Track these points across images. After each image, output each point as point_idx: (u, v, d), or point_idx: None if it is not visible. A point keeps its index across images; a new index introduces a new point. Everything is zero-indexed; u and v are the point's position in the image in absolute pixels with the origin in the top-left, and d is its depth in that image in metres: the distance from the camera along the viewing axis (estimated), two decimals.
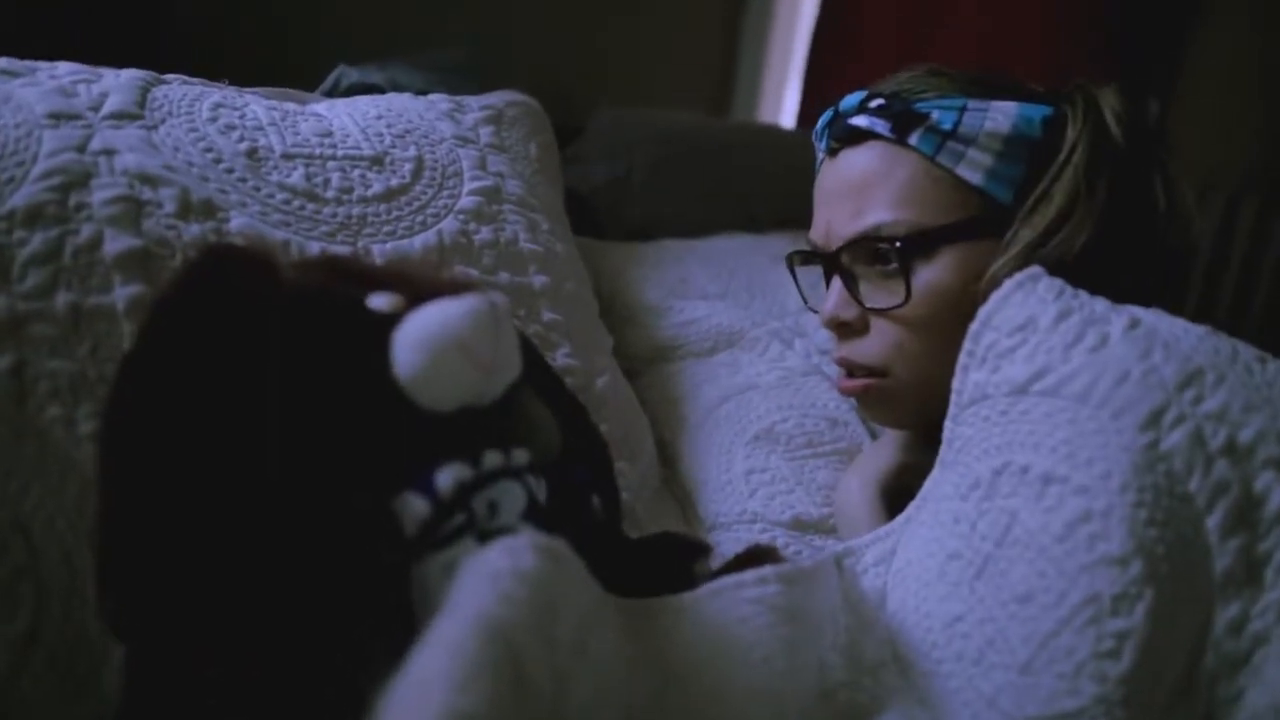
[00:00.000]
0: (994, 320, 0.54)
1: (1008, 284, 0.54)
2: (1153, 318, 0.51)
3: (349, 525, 0.39)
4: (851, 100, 0.67)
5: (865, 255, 0.65)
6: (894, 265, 0.63)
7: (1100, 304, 0.52)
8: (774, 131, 1.39)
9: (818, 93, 1.66)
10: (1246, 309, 1.66)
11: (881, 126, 0.64)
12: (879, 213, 0.64)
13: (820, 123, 0.69)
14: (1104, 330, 0.50)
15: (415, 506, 0.40)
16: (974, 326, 0.54)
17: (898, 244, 0.63)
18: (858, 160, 0.66)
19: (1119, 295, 0.53)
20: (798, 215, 1.04)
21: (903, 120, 0.63)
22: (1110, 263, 0.60)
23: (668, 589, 0.49)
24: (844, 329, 0.67)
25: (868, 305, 0.65)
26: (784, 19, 1.71)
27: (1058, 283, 0.53)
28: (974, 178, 0.63)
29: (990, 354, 0.53)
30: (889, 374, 0.66)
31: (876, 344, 0.66)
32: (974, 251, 0.63)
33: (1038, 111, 0.63)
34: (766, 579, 0.47)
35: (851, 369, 0.68)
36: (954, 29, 1.44)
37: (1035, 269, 0.54)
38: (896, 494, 0.68)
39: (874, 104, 0.65)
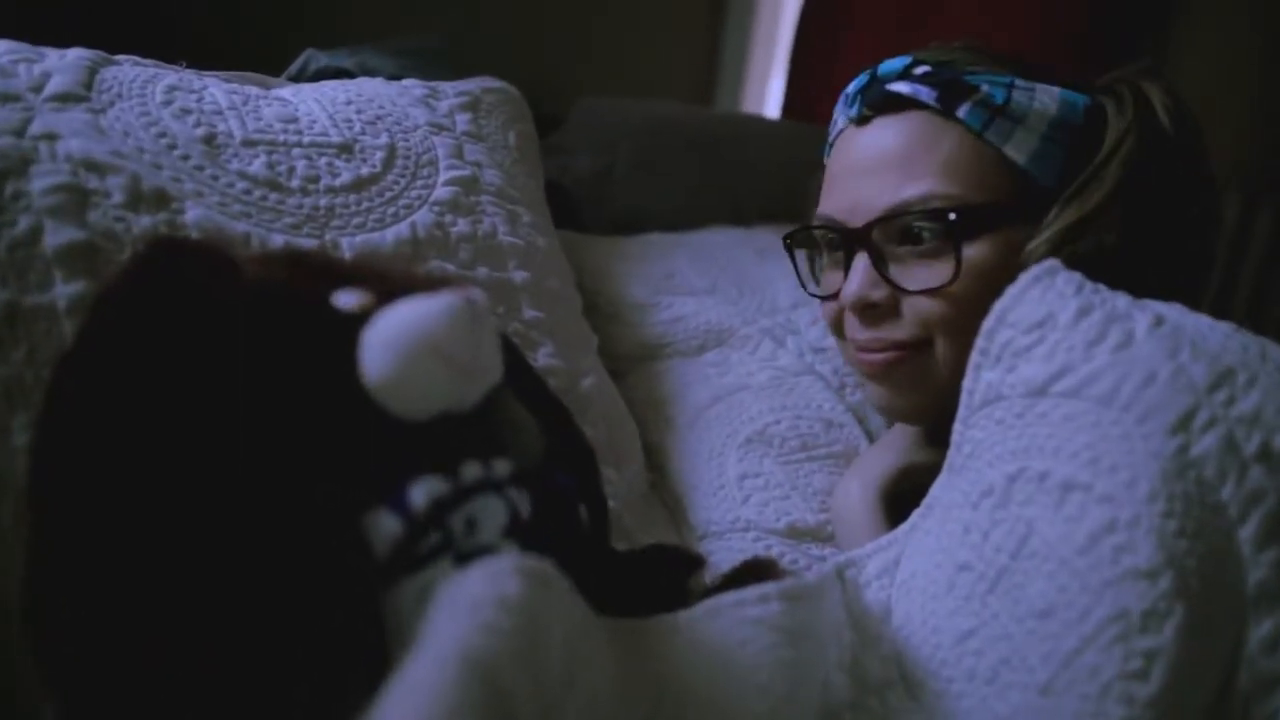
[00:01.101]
0: (1009, 316, 0.50)
1: (1023, 277, 0.51)
2: (1176, 314, 0.49)
3: (312, 547, 0.36)
4: (893, 65, 0.64)
5: (898, 231, 0.62)
6: (930, 243, 0.60)
7: (1122, 300, 0.50)
8: (761, 122, 1.37)
9: (803, 82, 1.64)
10: (1228, 304, 1.66)
11: (927, 95, 0.61)
12: (925, 184, 0.60)
13: (852, 87, 0.66)
14: (1128, 328, 0.47)
15: (386, 525, 0.36)
16: (988, 323, 0.51)
17: (951, 215, 0.59)
18: (898, 129, 0.62)
19: (1139, 293, 0.51)
20: (784, 207, 1.03)
21: (951, 90, 0.60)
22: (1138, 258, 0.58)
23: (660, 606, 0.47)
24: (870, 311, 0.63)
25: (905, 286, 0.61)
26: (768, 6, 1.69)
27: (1076, 276, 0.50)
28: (1019, 158, 0.60)
29: (1005, 352, 0.50)
30: (928, 344, 0.62)
31: (912, 319, 0.62)
32: (1015, 232, 0.60)
33: (1079, 99, 0.62)
34: (768, 597, 0.45)
35: (882, 348, 0.64)
36: (943, 17, 1.43)
37: (1052, 261, 0.51)
38: (899, 499, 0.65)
39: (920, 70, 0.62)
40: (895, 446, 0.68)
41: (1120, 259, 0.58)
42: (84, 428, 0.36)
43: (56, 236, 0.49)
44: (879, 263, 0.62)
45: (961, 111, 0.60)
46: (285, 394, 0.37)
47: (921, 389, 0.64)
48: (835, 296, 0.66)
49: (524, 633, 0.34)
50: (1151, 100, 0.61)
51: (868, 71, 0.65)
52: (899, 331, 0.63)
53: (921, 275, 0.61)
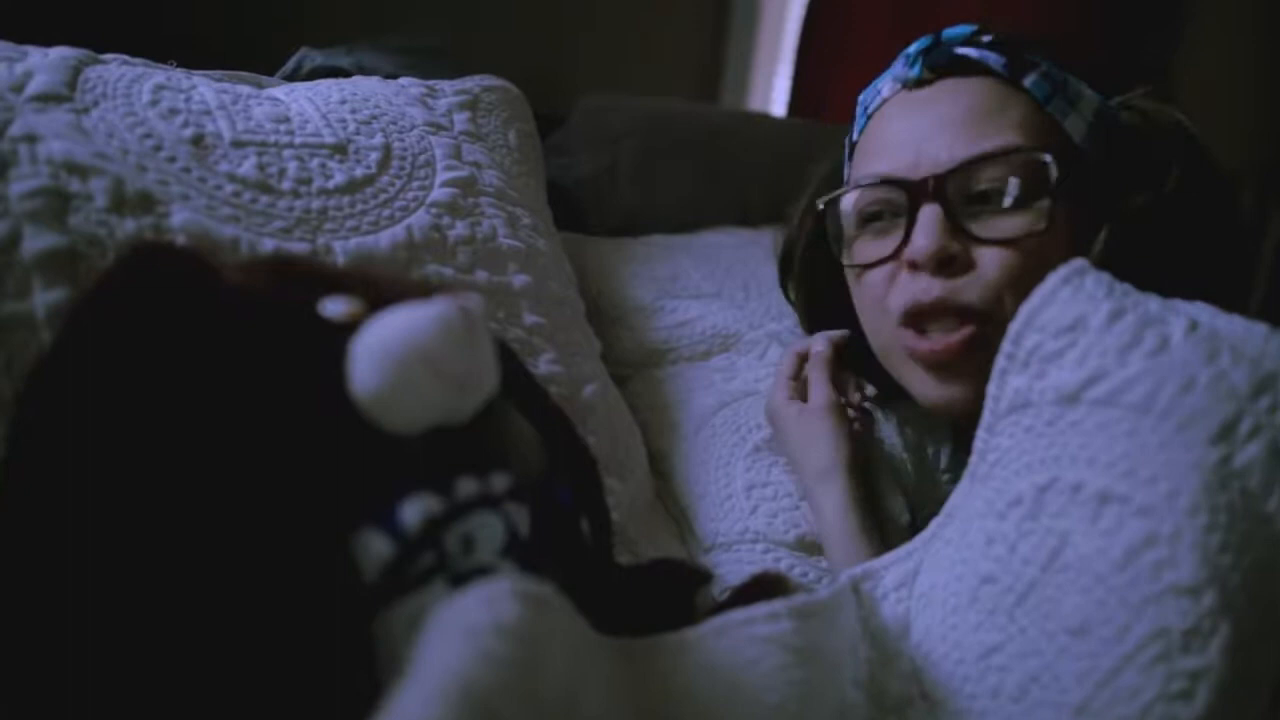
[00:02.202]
0: (1038, 319, 0.48)
1: (1052, 278, 0.49)
2: (1209, 316, 0.47)
3: (297, 569, 0.34)
4: (959, 31, 0.64)
5: (971, 188, 0.60)
6: (1006, 200, 0.59)
7: (1154, 302, 0.48)
8: (767, 120, 1.36)
9: (810, 79, 1.63)
10: (1244, 304, 1.64)
11: (995, 61, 0.62)
12: (1007, 136, 0.60)
13: (914, 48, 0.65)
14: (1163, 332, 0.46)
15: (376, 546, 0.35)
16: (1015, 325, 0.49)
17: (1047, 157, 0.59)
18: (968, 89, 0.62)
19: (1166, 293, 0.49)
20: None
21: (1019, 59, 0.61)
22: (1176, 261, 0.58)
23: (666, 624, 0.45)
24: (945, 266, 0.60)
25: (990, 236, 0.59)
26: (774, 2, 1.67)
27: (1106, 277, 0.49)
28: (1076, 135, 0.61)
29: (1034, 357, 0.48)
30: (997, 316, 0.59)
31: (991, 277, 0.59)
32: (1080, 204, 0.60)
33: (1108, 102, 0.63)
34: (778, 614, 0.44)
35: (946, 313, 0.60)
36: (952, 14, 1.41)
37: (1081, 261, 0.49)
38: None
39: (986, 38, 0.63)
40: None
41: (1160, 259, 0.57)
42: (54, 442, 0.35)
43: (35, 242, 0.48)
44: (953, 215, 0.60)
45: (1028, 81, 0.61)
46: (269, 408, 0.36)
47: (983, 369, 0.57)
48: (884, 262, 0.63)
49: (522, 661, 0.33)
50: (1161, 119, 0.63)
51: (929, 36, 0.65)
52: (980, 284, 0.59)
53: (1003, 228, 0.59)
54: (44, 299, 0.47)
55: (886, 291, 0.63)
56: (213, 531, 0.34)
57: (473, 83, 0.79)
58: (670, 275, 0.85)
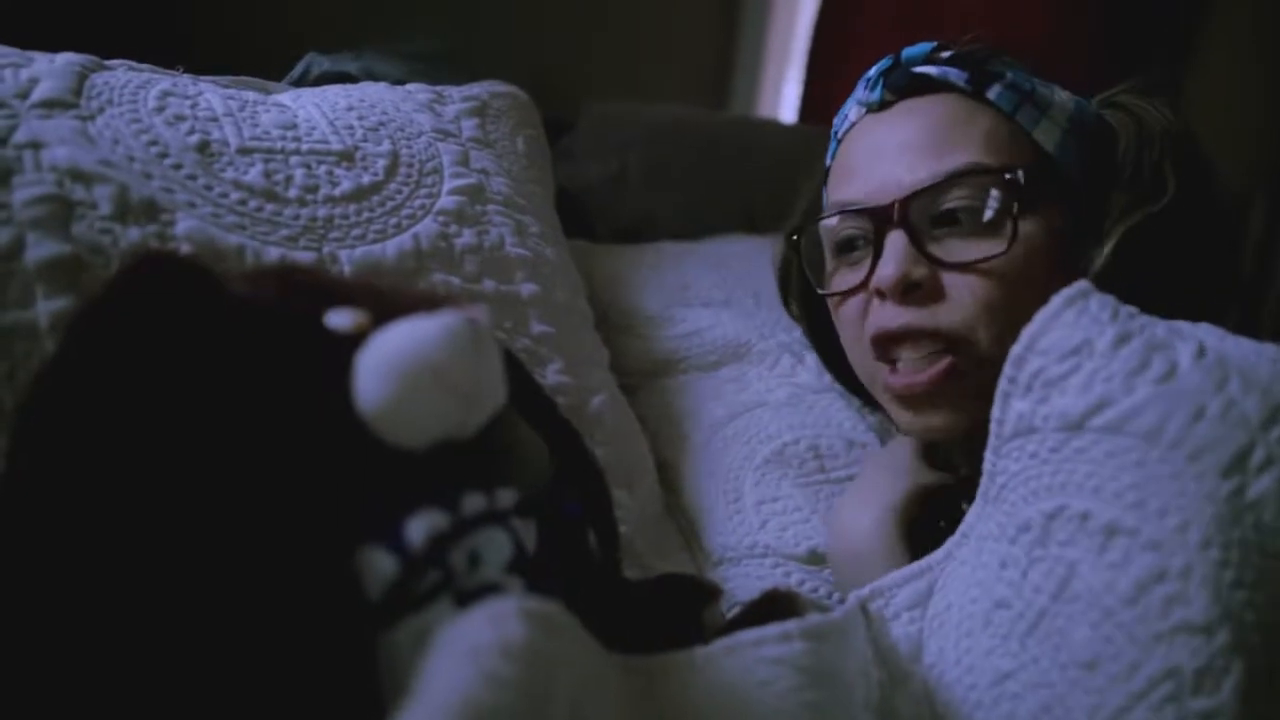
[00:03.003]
0: (1040, 343, 0.47)
1: (1055, 300, 0.47)
2: (1217, 340, 0.46)
3: (299, 588, 0.33)
4: (917, 50, 0.62)
5: (936, 211, 0.58)
6: (972, 222, 0.57)
7: (1160, 326, 0.46)
8: (777, 126, 1.35)
9: (821, 85, 1.62)
10: (1259, 310, 1.62)
11: (957, 76, 0.60)
12: (967, 155, 0.58)
13: (874, 71, 0.63)
14: (1170, 357, 0.44)
15: (381, 564, 0.34)
16: (1016, 349, 0.48)
17: (1008, 175, 0.57)
18: (928, 109, 0.60)
19: (1168, 314, 0.48)
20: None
21: (981, 73, 0.60)
22: (1175, 277, 0.56)
23: (675, 641, 0.44)
24: (911, 293, 0.58)
25: (954, 260, 0.57)
26: (784, 6, 1.66)
27: (1110, 300, 0.47)
28: (1048, 144, 0.59)
29: (1036, 382, 0.47)
30: (966, 345, 0.58)
31: (959, 305, 0.57)
32: (1056, 215, 0.58)
33: (1086, 103, 0.61)
34: (790, 635, 0.43)
35: (919, 339, 0.59)
36: (961, 19, 1.40)
37: (1083, 283, 0.48)
38: (912, 523, 0.61)
39: (945, 55, 0.61)
40: (898, 468, 0.63)
41: (1158, 277, 0.55)
42: (55, 454, 0.34)
43: (39, 250, 0.47)
44: (918, 240, 0.58)
45: (992, 93, 0.59)
46: (272, 422, 0.35)
47: (963, 400, 0.59)
48: (856, 291, 0.62)
49: (528, 683, 0.32)
50: (1148, 117, 0.60)
51: (888, 57, 0.63)
52: (952, 311, 0.57)
53: (967, 252, 0.57)
54: (47, 308, 0.46)
55: (861, 321, 0.62)
56: (214, 547, 0.33)
57: (481, 89, 0.78)
58: (679, 283, 0.85)
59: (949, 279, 0.58)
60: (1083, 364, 0.46)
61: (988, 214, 0.57)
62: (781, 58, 1.68)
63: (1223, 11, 1.61)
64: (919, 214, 0.58)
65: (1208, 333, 0.46)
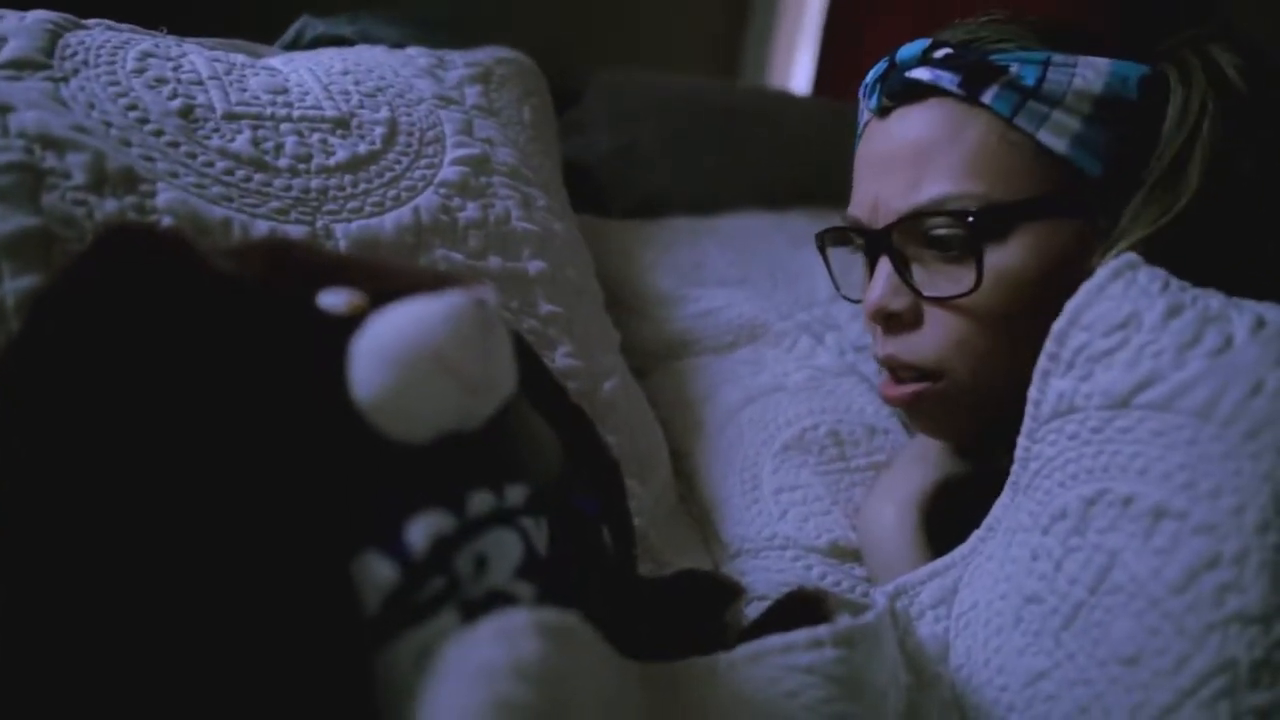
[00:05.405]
0: (1084, 317, 0.46)
1: (1101, 273, 0.46)
2: (1276, 314, 0.44)
3: (290, 599, 0.31)
4: (911, 49, 0.58)
5: (921, 235, 0.57)
6: (955, 249, 0.56)
7: (1214, 298, 0.45)
8: (792, 98, 1.33)
9: (835, 56, 1.59)
10: None
11: (949, 81, 0.56)
12: (942, 184, 0.56)
13: (871, 76, 0.61)
14: (1225, 330, 0.43)
15: (380, 571, 0.32)
16: (1059, 324, 0.46)
17: (969, 218, 0.55)
18: (917, 121, 0.57)
19: (1226, 291, 0.46)
20: (817, 190, 0.97)
21: (975, 73, 0.55)
22: (1225, 252, 0.53)
23: (696, 645, 0.42)
24: (892, 321, 0.59)
25: (925, 293, 0.57)
26: None
27: (1161, 272, 0.46)
28: (1058, 145, 0.55)
29: (1080, 358, 0.46)
30: (945, 375, 0.58)
31: (932, 339, 0.57)
32: (1054, 232, 0.55)
33: (1133, 70, 0.55)
34: (821, 641, 0.41)
35: (898, 370, 0.59)
36: None
37: (1131, 255, 0.46)
38: (935, 518, 0.60)
39: (940, 54, 0.57)
40: (926, 458, 0.63)
41: (1212, 251, 0.52)
42: (17, 446, 0.31)
43: (4, 223, 0.44)
44: (901, 267, 0.58)
45: (987, 97, 0.55)
46: (259, 414, 0.33)
47: (947, 421, 0.61)
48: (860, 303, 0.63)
49: (546, 706, 0.29)
50: (1222, 65, 0.54)
51: (886, 58, 0.60)
52: (923, 345, 0.58)
53: (940, 284, 0.57)
54: (13, 285, 0.44)
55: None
56: (191, 553, 0.31)
57: (485, 54, 0.76)
58: (693, 262, 0.83)
59: (928, 310, 0.58)
60: (1130, 338, 0.44)
61: (961, 247, 0.56)
62: (794, 26, 1.64)
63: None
64: (905, 239, 0.58)
65: (1268, 307, 0.45)
